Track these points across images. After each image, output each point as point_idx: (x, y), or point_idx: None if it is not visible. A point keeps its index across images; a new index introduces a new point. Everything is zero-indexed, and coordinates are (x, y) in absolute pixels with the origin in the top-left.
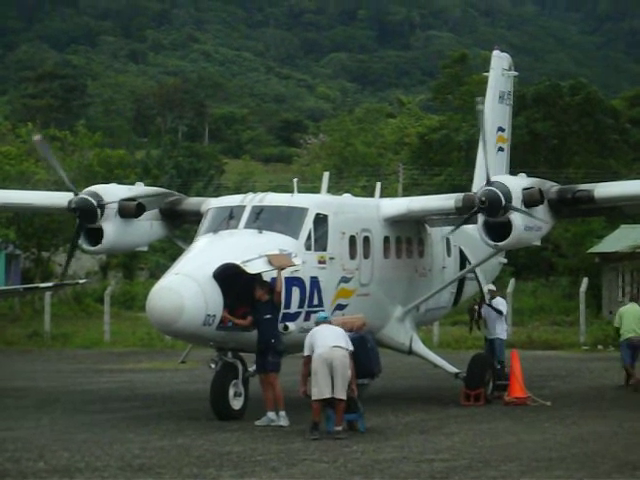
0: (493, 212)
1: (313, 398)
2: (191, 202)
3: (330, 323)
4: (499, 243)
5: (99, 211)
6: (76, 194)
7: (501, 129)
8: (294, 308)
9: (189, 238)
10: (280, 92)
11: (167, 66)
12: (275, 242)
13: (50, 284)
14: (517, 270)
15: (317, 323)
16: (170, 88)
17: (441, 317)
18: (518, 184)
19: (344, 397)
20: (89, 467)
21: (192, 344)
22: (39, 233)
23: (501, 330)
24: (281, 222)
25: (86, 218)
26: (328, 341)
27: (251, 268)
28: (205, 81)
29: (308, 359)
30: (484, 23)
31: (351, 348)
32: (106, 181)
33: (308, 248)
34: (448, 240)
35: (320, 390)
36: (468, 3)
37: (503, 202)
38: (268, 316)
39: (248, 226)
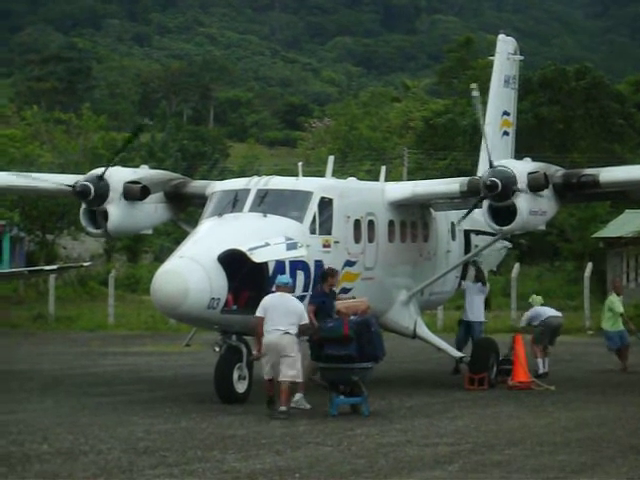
0: (498, 196)
1: (265, 377)
2: (196, 185)
3: (290, 290)
4: (504, 227)
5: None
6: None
7: (506, 113)
8: (299, 292)
9: (194, 221)
10: (285, 76)
11: (172, 49)
12: (280, 226)
13: (54, 267)
14: (521, 255)
15: (277, 287)
16: (175, 71)
17: (445, 301)
18: (523, 168)
19: (295, 378)
20: (93, 450)
21: (196, 327)
22: (43, 216)
23: (482, 313)
24: (286, 206)
25: (91, 201)
26: (280, 323)
27: (257, 256)
28: (210, 64)
29: (261, 320)
30: (489, 7)
31: (305, 321)
32: (111, 164)
33: (313, 232)
34: (453, 224)
35: (269, 375)
36: None
37: (507, 186)
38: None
39: (253, 209)
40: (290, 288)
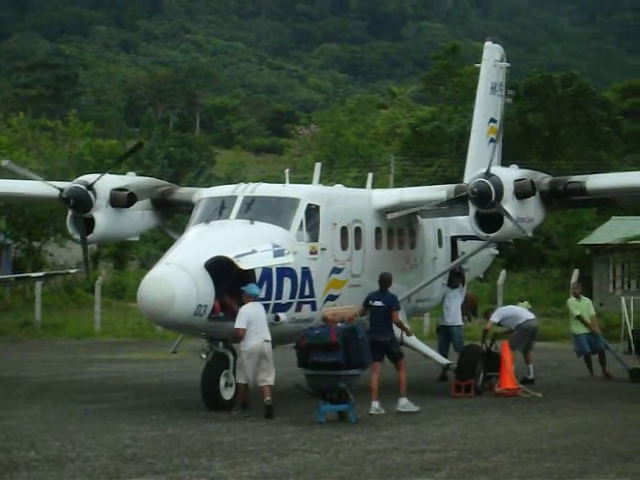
0: (484, 203)
1: (239, 381)
2: (182, 192)
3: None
4: (490, 234)
5: (91, 200)
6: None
7: (493, 120)
8: (285, 299)
9: (180, 228)
10: (272, 83)
11: (159, 56)
12: (266, 233)
13: (41, 274)
14: (508, 261)
15: (248, 296)
16: (161, 78)
17: (432, 308)
18: (510, 175)
19: (272, 382)
20: (80, 457)
21: (183, 334)
22: (30, 223)
23: (459, 316)
24: (273, 213)
25: (78, 208)
26: (261, 331)
27: (244, 263)
28: (196, 71)
29: (243, 332)
30: (476, 14)
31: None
32: (97, 171)
33: (300, 239)
34: (440, 231)
35: (247, 378)
36: None
37: (494, 194)
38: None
39: (240, 216)
40: (257, 299)
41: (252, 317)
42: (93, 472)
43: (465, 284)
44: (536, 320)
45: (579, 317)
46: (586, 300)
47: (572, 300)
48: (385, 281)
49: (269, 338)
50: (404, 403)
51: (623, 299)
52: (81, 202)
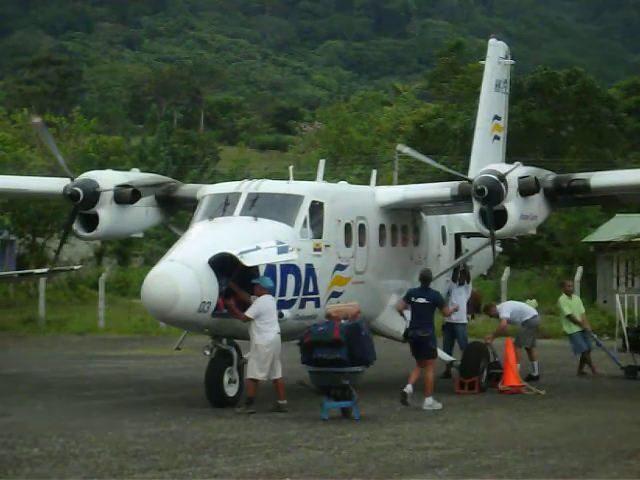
0: (495, 199)
1: (251, 377)
2: (186, 189)
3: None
4: (495, 232)
5: (94, 197)
6: (72, 179)
7: (497, 117)
8: (289, 295)
9: (184, 225)
10: (276, 79)
11: (163, 53)
12: (270, 229)
13: (45, 270)
14: (512, 259)
15: (262, 288)
16: (166, 75)
17: None
18: (514, 173)
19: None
20: (84, 453)
21: (187, 331)
22: (34, 219)
23: (465, 314)
24: (277, 209)
25: (81, 204)
26: (273, 323)
27: (248, 260)
28: (201, 68)
29: (246, 319)
30: (480, 11)
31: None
32: (102, 167)
33: (303, 235)
34: (443, 228)
35: (265, 373)
36: None
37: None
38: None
39: (244, 213)
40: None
41: (265, 309)
42: (96, 468)
43: (470, 281)
44: (538, 316)
45: (569, 316)
46: (577, 298)
47: (564, 298)
48: (426, 278)
49: (279, 330)
50: (430, 402)
51: (617, 296)
52: (87, 198)
